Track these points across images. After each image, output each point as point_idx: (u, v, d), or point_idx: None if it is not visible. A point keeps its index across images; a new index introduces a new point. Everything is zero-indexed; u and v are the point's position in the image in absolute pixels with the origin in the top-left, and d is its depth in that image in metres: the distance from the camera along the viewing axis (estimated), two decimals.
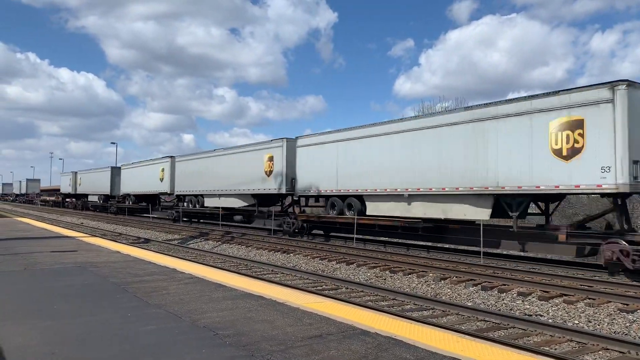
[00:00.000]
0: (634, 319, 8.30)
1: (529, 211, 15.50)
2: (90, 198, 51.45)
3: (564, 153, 12.09)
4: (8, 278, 8.25)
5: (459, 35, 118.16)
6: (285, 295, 6.94)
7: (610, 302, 9.21)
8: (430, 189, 15.54)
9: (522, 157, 12.96)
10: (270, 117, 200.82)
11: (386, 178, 17.20)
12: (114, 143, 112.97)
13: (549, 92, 12.73)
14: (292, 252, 17.03)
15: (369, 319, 5.66)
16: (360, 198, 18.58)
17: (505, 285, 10.85)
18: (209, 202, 28.64)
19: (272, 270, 13.74)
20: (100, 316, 5.63)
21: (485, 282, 11.26)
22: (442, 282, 11.68)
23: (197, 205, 30.04)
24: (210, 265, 13.07)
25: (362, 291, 10.79)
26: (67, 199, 59.67)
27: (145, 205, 38.41)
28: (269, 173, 22.94)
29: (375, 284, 11.82)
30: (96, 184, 48.43)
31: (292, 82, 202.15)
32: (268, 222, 24.11)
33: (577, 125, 11.86)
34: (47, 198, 74.05)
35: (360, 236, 19.38)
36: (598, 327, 8.11)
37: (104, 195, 46.72)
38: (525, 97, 13.17)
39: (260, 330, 5.03)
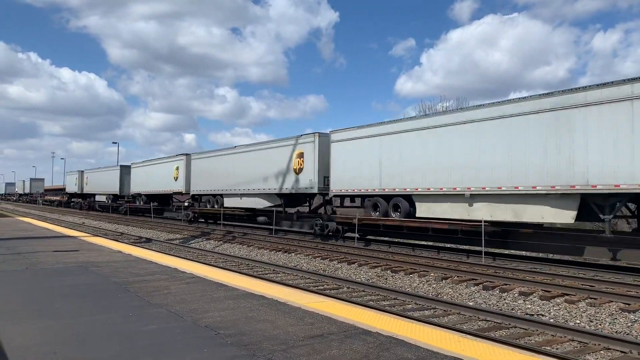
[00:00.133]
0: (636, 318, 8.29)
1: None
2: (97, 198, 50.03)
3: None
4: (10, 277, 8.26)
5: (460, 34, 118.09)
6: (286, 295, 6.94)
7: (612, 301, 9.20)
8: (499, 187, 13.89)
9: (620, 151, 11.38)
10: (271, 116, 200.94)
11: (443, 176, 15.44)
12: (115, 143, 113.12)
13: None
14: (293, 252, 17.04)
15: (370, 319, 5.66)
16: (409, 198, 16.89)
17: (506, 284, 10.84)
18: (229, 202, 27.20)
19: (273, 270, 13.75)
20: (102, 316, 5.63)
21: (487, 281, 11.25)
22: (444, 281, 11.67)
23: (215, 206, 28.43)
24: (212, 264, 13.08)
25: (363, 291, 10.79)
26: (73, 199, 58.48)
27: (156, 205, 36.89)
28: (298, 171, 21.37)
29: (377, 283, 11.82)
30: (104, 184, 46.89)
31: (293, 82, 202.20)
32: (296, 224, 22.88)
33: None
34: (52, 198, 72.82)
35: (412, 242, 17.88)
36: (599, 326, 8.10)
37: (112, 195, 45.17)
38: (623, 80, 11.59)
39: (261, 329, 5.03)
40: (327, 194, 20.77)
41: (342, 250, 17.20)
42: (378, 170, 17.86)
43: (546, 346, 6.86)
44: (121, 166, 44.04)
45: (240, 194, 25.90)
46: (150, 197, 37.96)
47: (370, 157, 18.19)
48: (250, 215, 26.17)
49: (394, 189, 17.28)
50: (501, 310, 9.10)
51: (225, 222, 27.67)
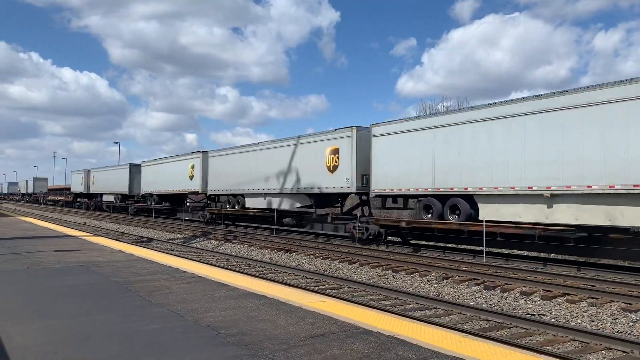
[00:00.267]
0: (637, 318, 8.28)
1: None
2: (104, 198, 48.10)
3: None
4: (11, 277, 8.27)
5: (461, 34, 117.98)
6: (287, 295, 6.94)
7: (613, 301, 9.19)
8: (589, 186, 12.11)
9: None
10: (272, 116, 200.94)
11: (514, 173, 13.60)
12: (116, 142, 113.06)
13: None
14: (294, 252, 17.04)
15: (371, 319, 5.65)
16: (470, 199, 15.02)
17: (507, 284, 10.83)
18: (251, 203, 25.35)
19: (274, 270, 13.75)
20: (103, 315, 5.64)
21: (488, 281, 11.25)
22: (445, 281, 11.67)
23: (236, 206, 26.64)
24: (213, 264, 13.08)
25: (364, 290, 10.79)
26: (79, 199, 56.42)
27: (168, 205, 35.26)
28: (332, 168, 19.50)
29: (378, 283, 11.82)
30: (112, 183, 44.91)
31: (295, 82, 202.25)
32: (328, 226, 20.98)
33: None
34: (57, 198, 71.17)
35: (475, 248, 15.45)
36: (601, 326, 8.09)
37: (121, 194, 43.21)
38: None
39: (262, 329, 5.03)
40: (366, 194, 19.22)
41: (343, 250, 17.19)
42: (431, 168, 15.93)
43: (547, 346, 6.85)
44: (131, 165, 41.92)
45: (265, 193, 24.03)
46: (162, 197, 36.19)
47: (422, 152, 16.25)
48: (275, 216, 23.97)
49: (452, 188, 15.36)
50: (502, 310, 9.09)
51: (248, 224, 25.95)
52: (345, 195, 21.48)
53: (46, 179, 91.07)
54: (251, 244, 19.49)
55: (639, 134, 11.35)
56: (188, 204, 33.19)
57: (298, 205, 22.17)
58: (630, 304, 8.90)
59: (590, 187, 12.15)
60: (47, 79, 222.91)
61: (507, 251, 15.78)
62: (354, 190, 18.76)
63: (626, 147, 11.55)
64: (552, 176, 12.86)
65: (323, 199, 21.43)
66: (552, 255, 15.22)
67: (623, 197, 11.65)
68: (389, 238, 18.57)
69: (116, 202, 44.57)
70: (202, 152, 30.39)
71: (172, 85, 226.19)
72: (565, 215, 12.73)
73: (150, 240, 22.11)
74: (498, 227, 14.05)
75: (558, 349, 6.80)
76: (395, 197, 18.43)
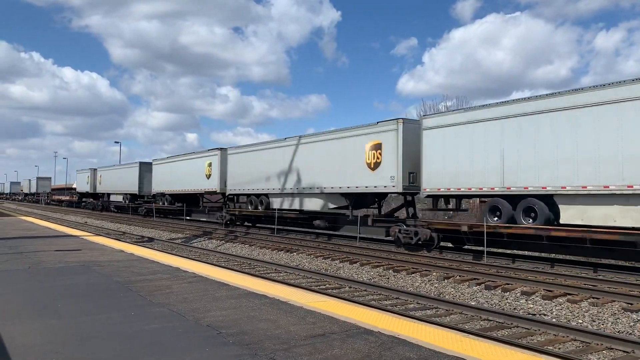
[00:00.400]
0: (638, 318, 8.28)
1: None
2: (112, 198, 46.07)
3: None
4: (12, 277, 8.28)
5: (462, 33, 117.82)
6: (288, 294, 6.94)
7: (614, 301, 9.19)
8: None
9: None
10: (273, 116, 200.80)
11: (607, 169, 11.78)
12: (117, 142, 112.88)
13: None
14: (295, 251, 17.04)
15: (372, 318, 5.65)
16: (549, 199, 13.17)
17: (508, 284, 10.83)
18: (277, 203, 23.42)
19: (275, 269, 13.76)
20: (104, 315, 5.64)
21: (489, 281, 11.24)
22: (446, 281, 11.67)
23: (259, 207, 24.79)
24: (214, 264, 13.09)
25: (365, 290, 10.79)
26: (84, 199, 54.55)
27: (182, 205, 33.12)
28: (373, 165, 17.62)
29: (379, 283, 11.82)
30: (121, 182, 42.69)
31: (295, 81, 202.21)
32: (367, 229, 18.84)
33: None
34: (61, 197, 69.11)
35: (552, 256, 14.07)
36: (602, 326, 8.09)
37: (130, 194, 41.24)
38: None
39: (263, 329, 5.03)
40: (412, 194, 17.56)
41: (344, 249, 17.19)
42: (498, 164, 14.01)
43: (548, 346, 6.84)
44: (141, 163, 39.85)
45: (292, 193, 21.99)
46: (175, 197, 34.22)
47: (486, 146, 14.35)
48: (304, 218, 22.22)
49: (526, 188, 13.41)
50: (503, 309, 9.09)
51: (274, 226, 24.05)
52: (383, 196, 19.95)
53: (49, 178, 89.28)
54: (252, 244, 19.49)
55: None
56: (204, 204, 31.25)
57: (331, 206, 20.27)
58: (631, 304, 8.89)
59: None
60: (48, 78, 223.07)
61: (508, 251, 15.77)
62: (399, 189, 16.77)
63: None
64: None
65: (359, 199, 19.64)
66: (552, 255, 15.19)
67: None
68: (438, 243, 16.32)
69: (125, 202, 42.66)
70: (220, 149, 28.53)
71: (173, 84, 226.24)
72: None
73: (151, 240, 22.13)
74: (588, 232, 12.10)
75: (559, 348, 6.80)
76: (447, 198, 16.37)
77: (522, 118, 13.59)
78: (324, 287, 11.10)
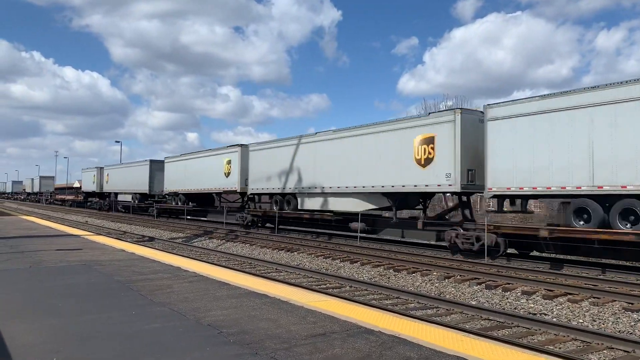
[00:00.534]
0: (639, 318, 8.28)
1: None
2: (120, 197, 44.23)
3: None
4: (13, 276, 8.29)
5: (463, 33, 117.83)
6: (289, 294, 6.95)
7: (615, 301, 9.19)
8: None
9: None
10: (274, 115, 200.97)
11: None
12: (118, 142, 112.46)
13: None
14: (296, 251, 17.05)
15: (372, 318, 5.66)
16: None
17: (509, 284, 10.83)
18: (308, 204, 21.53)
19: (276, 269, 13.76)
20: (105, 314, 5.64)
21: (490, 280, 11.24)
22: (446, 280, 11.67)
23: (286, 207, 23.01)
24: (215, 263, 13.10)
25: (366, 290, 10.79)
26: (90, 198, 52.82)
27: (195, 205, 31.96)
28: (424, 162, 15.91)
29: (379, 282, 11.82)
30: (129, 181, 41.05)
31: (296, 81, 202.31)
32: (414, 233, 17.21)
33: None
34: (65, 197, 67.31)
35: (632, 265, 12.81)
36: (602, 326, 8.09)
37: (139, 193, 39.48)
38: None
39: (264, 328, 5.04)
40: (469, 193, 16.01)
41: (345, 249, 17.19)
42: (586, 159, 12.26)
43: (549, 345, 6.85)
44: (151, 161, 38.13)
45: (325, 192, 20.27)
46: (189, 197, 32.62)
47: (570, 139, 12.59)
48: (339, 220, 20.27)
49: (624, 187, 11.60)
50: (504, 309, 9.09)
51: (301, 229, 22.73)
52: (429, 196, 18.34)
53: (53, 177, 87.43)
54: (253, 243, 19.49)
55: None
56: (222, 204, 29.59)
57: (371, 206, 18.54)
58: (632, 304, 8.89)
59: None
60: (49, 78, 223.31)
61: (509, 251, 15.74)
62: (457, 188, 14.92)
63: None
64: None
65: (403, 199, 17.87)
66: (553, 255, 15.17)
67: None
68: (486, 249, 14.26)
69: (134, 202, 40.84)
70: (241, 145, 26.75)
71: (174, 84, 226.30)
72: None
73: (151, 239, 22.14)
74: None
75: (560, 348, 6.80)
76: (513, 198, 14.48)
77: (616, 106, 11.81)
78: (324, 286, 11.10)
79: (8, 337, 4.67)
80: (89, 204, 52.96)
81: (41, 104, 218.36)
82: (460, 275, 11.94)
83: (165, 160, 35.75)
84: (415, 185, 16.36)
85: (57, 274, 8.47)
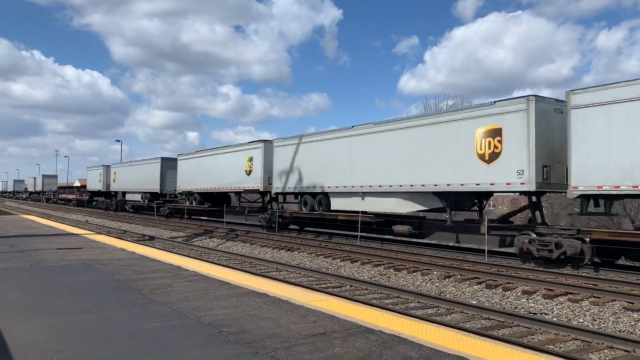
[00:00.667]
0: (639, 317, 8.28)
1: None
2: (128, 197, 42.37)
3: None
4: (14, 275, 8.29)
5: (464, 32, 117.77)
6: (289, 293, 6.95)
7: (615, 300, 9.19)
8: None
9: None
10: (274, 114, 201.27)
11: None
12: (118, 141, 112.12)
13: None
14: (296, 250, 17.06)
15: (373, 317, 5.66)
16: None
17: (509, 283, 10.83)
18: (340, 204, 19.84)
19: (276, 268, 13.77)
20: (106, 313, 5.65)
21: (490, 280, 11.24)
22: (447, 280, 11.67)
23: (316, 208, 21.03)
24: (215, 262, 13.10)
25: (366, 289, 10.80)
26: (96, 198, 51.00)
27: (210, 206, 30.27)
28: (488, 157, 14.01)
29: (380, 281, 11.82)
30: (139, 180, 39.22)
31: (296, 80, 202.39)
32: (474, 238, 15.11)
33: None
34: (69, 196, 65.09)
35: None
36: (603, 325, 8.09)
37: (150, 193, 37.61)
38: None
39: (264, 327, 5.04)
40: (541, 193, 14.16)
41: (345, 248, 17.19)
42: None
43: (549, 345, 6.85)
44: (162, 159, 36.48)
45: (363, 192, 18.47)
46: (204, 196, 30.99)
47: None
48: (381, 222, 18.41)
49: None
50: (504, 308, 9.09)
51: (335, 232, 20.90)
52: (486, 196, 16.71)
53: (56, 176, 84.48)
54: (253, 243, 19.50)
55: None
56: (240, 204, 28.16)
57: (419, 208, 16.73)
58: (632, 303, 8.89)
59: None
60: (49, 77, 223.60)
61: (510, 249, 15.74)
62: (531, 187, 13.10)
63: None
64: None
65: (458, 200, 16.06)
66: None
67: None
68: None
69: (144, 201, 38.88)
70: (264, 141, 24.93)
71: (174, 83, 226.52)
72: None
73: (152, 238, 22.15)
74: None
75: (560, 348, 6.80)
76: (596, 198, 12.66)
77: None
78: (324, 285, 11.11)
79: (9, 336, 4.68)
80: (94, 203, 51.14)
81: (41, 103, 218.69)
82: (460, 275, 11.94)
83: (179, 158, 33.95)
84: (477, 184, 14.48)
85: (58, 273, 8.47)
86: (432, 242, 17.56)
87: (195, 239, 21.78)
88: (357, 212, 18.78)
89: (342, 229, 20.79)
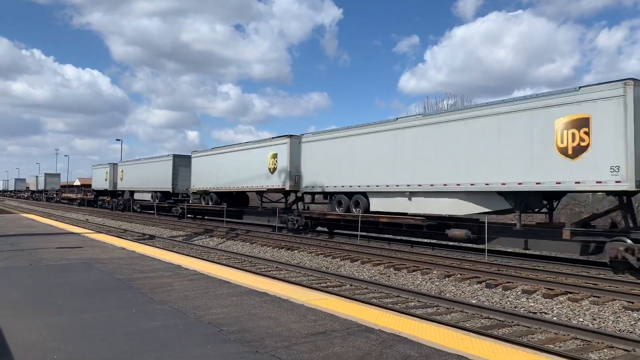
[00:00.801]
0: (639, 317, 8.28)
1: None
2: (137, 196, 40.45)
3: None
4: (14, 274, 8.30)
5: (464, 31, 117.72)
6: (289, 292, 6.95)
7: (615, 300, 9.19)
8: None
9: None
10: (274, 114, 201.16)
11: None
12: (119, 140, 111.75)
13: None
14: (296, 249, 17.05)
15: (373, 316, 5.66)
16: None
17: (509, 282, 10.83)
18: (382, 205, 17.91)
19: (276, 267, 13.77)
20: (106, 312, 5.65)
21: (490, 279, 11.24)
22: (447, 279, 11.67)
23: (353, 209, 19.22)
24: (215, 261, 13.10)
25: (366, 288, 10.80)
26: (101, 197, 49.24)
27: (226, 205, 28.15)
28: (572, 151, 12.21)
29: (380, 281, 11.82)
30: (148, 178, 37.40)
31: (297, 79, 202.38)
32: (556, 245, 13.32)
33: None
34: (73, 195, 63.34)
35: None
36: (603, 325, 8.09)
37: (161, 192, 35.81)
38: None
39: (264, 326, 5.04)
40: (629, 194, 12.22)
41: (345, 247, 17.19)
42: None
43: (549, 344, 6.85)
44: (174, 156, 34.54)
45: (411, 191, 16.63)
46: (221, 196, 29.28)
47: None
48: (431, 225, 16.47)
49: None
50: (504, 308, 9.10)
51: (375, 235, 19.25)
52: (560, 195, 14.80)
53: (59, 174, 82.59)
54: (253, 242, 19.50)
55: None
56: (262, 204, 26.47)
57: (480, 209, 14.85)
58: (632, 303, 8.89)
59: None
60: (50, 76, 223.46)
61: (509, 249, 15.76)
62: (630, 186, 11.36)
63: None
64: None
65: (525, 200, 14.10)
66: (553, 254, 15.17)
67: None
68: None
69: (154, 201, 36.70)
70: (291, 136, 22.98)
71: (174, 82, 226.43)
72: None
73: (152, 237, 22.14)
74: None
75: (560, 347, 6.81)
76: None
77: None
78: (325, 285, 11.11)
79: (9, 334, 4.68)
80: (100, 203, 49.22)
81: (41, 102, 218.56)
82: (460, 274, 11.94)
83: (193, 155, 32.21)
84: (558, 182, 12.53)
85: (58, 272, 8.48)
86: (494, 248, 15.40)
87: (195, 238, 21.78)
88: (402, 213, 17.17)
89: (383, 232, 19.16)
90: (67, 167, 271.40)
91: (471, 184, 14.52)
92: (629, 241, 11.41)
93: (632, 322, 8.07)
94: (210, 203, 29.93)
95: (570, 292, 9.79)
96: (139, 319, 5.36)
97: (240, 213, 27.71)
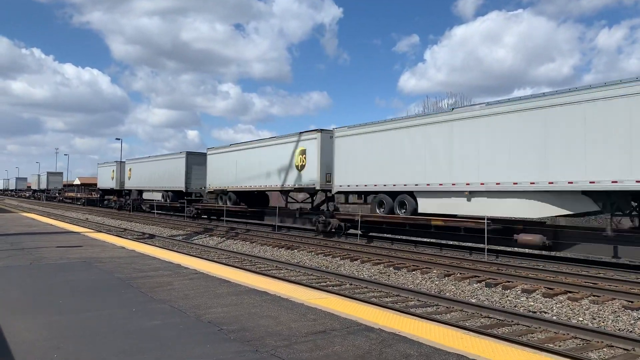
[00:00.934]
0: (639, 316, 8.28)
1: None
2: (146, 195, 38.88)
3: None
4: (14, 273, 8.30)
5: (464, 31, 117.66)
6: (289, 291, 6.96)
7: (615, 299, 9.20)
8: None
9: None
10: (274, 113, 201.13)
11: None
12: (118, 139, 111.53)
13: None
14: (296, 248, 17.06)
15: (373, 315, 5.66)
16: None
17: (509, 282, 10.84)
18: (432, 206, 16.24)
19: (276, 266, 13.77)
20: (106, 311, 5.65)
21: (490, 278, 11.25)
22: (446, 278, 11.68)
23: (396, 211, 17.54)
24: (215, 261, 13.10)
25: (366, 287, 10.80)
26: (107, 197, 47.76)
27: (244, 206, 26.99)
28: None
29: (379, 280, 11.83)
30: (159, 177, 36.00)
31: (297, 78, 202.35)
32: (635, 251, 11.86)
33: None
34: (77, 195, 61.98)
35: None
36: (602, 324, 8.09)
37: (173, 191, 34.40)
38: None
39: (264, 325, 5.04)
40: None
41: (345, 247, 17.20)
42: None
43: (549, 343, 6.85)
44: (188, 153, 33.08)
45: (470, 191, 14.90)
46: (241, 195, 27.67)
47: None
48: (497, 229, 14.49)
49: None
50: (504, 307, 9.10)
51: (426, 240, 17.71)
52: None
53: (61, 173, 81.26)
54: (253, 241, 19.50)
55: None
56: (288, 204, 25.00)
57: (558, 211, 13.17)
58: (631, 302, 8.90)
59: None
60: (49, 75, 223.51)
61: (509, 249, 15.76)
62: None
63: None
64: None
65: (613, 201, 12.42)
66: (553, 253, 15.18)
67: None
68: None
69: (166, 200, 35.20)
70: (321, 130, 21.27)
71: (174, 81, 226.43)
72: None
73: (152, 236, 22.14)
74: None
75: (559, 346, 6.81)
76: None
77: None
78: (324, 284, 11.11)
79: (9, 334, 4.68)
80: (106, 202, 47.61)
81: (41, 101, 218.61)
82: (460, 273, 11.95)
83: (208, 152, 30.55)
84: None
85: (58, 271, 8.48)
86: (568, 256, 13.79)
87: (195, 238, 21.78)
88: (455, 216, 15.85)
89: (434, 237, 17.48)
90: (66, 166, 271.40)
91: (549, 183, 12.81)
92: None
93: (632, 321, 8.08)
94: (228, 203, 28.24)
95: (569, 292, 9.80)
96: (139, 318, 5.36)
97: (261, 214, 26.20)
